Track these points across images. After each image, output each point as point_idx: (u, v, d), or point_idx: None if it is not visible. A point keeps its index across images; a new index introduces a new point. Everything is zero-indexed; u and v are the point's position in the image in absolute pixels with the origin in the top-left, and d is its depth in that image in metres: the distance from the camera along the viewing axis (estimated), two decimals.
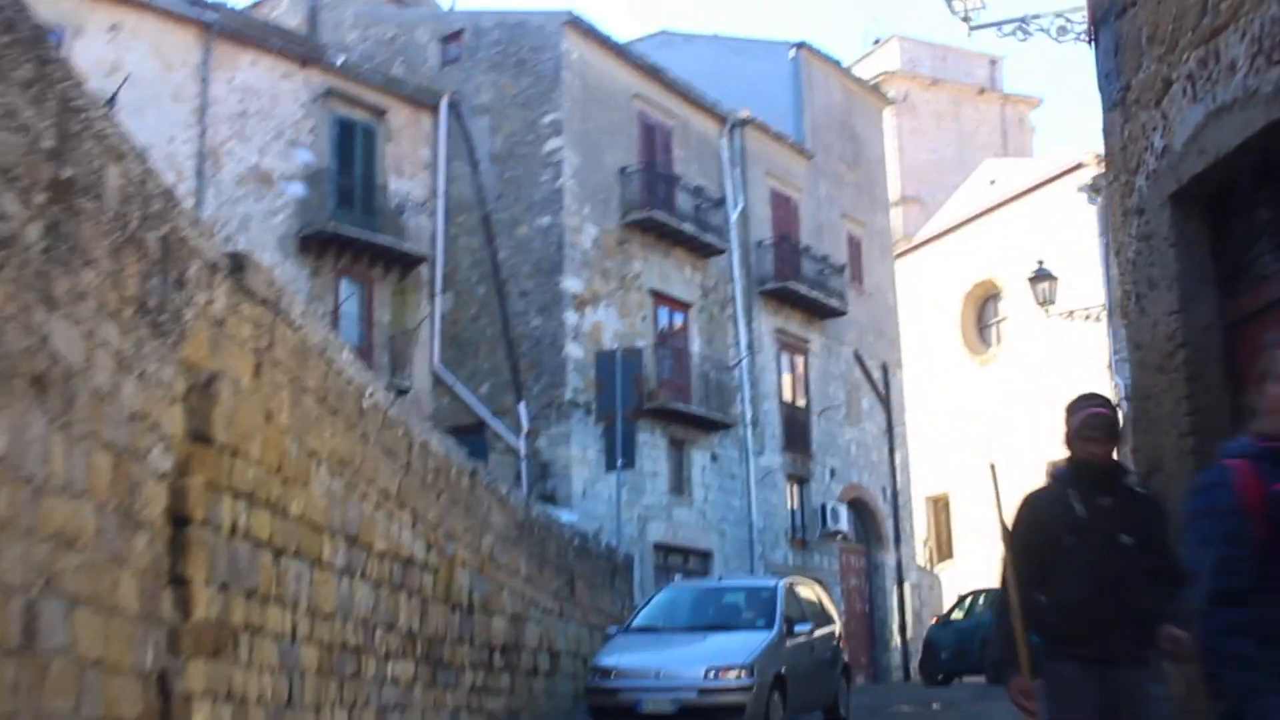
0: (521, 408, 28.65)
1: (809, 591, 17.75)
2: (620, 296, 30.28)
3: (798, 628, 15.88)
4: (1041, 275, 24.64)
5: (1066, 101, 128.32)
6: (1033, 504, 6.13)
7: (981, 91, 64.94)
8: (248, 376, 10.05)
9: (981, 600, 29.37)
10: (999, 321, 53.38)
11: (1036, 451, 50.29)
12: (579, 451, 28.20)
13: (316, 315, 12.89)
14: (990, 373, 52.47)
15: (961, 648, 27.70)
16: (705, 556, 31.28)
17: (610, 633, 17.12)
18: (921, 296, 52.76)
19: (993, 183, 52.99)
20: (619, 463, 21.94)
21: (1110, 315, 22.41)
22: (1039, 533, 5.95)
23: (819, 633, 16.71)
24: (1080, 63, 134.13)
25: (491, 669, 15.92)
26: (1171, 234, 7.29)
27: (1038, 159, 55.45)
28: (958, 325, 54.02)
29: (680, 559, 30.56)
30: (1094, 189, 23.48)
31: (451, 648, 14.85)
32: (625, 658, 15.47)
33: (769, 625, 15.70)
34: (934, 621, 30.45)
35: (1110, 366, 23.29)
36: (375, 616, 12.79)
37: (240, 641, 9.74)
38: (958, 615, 29.54)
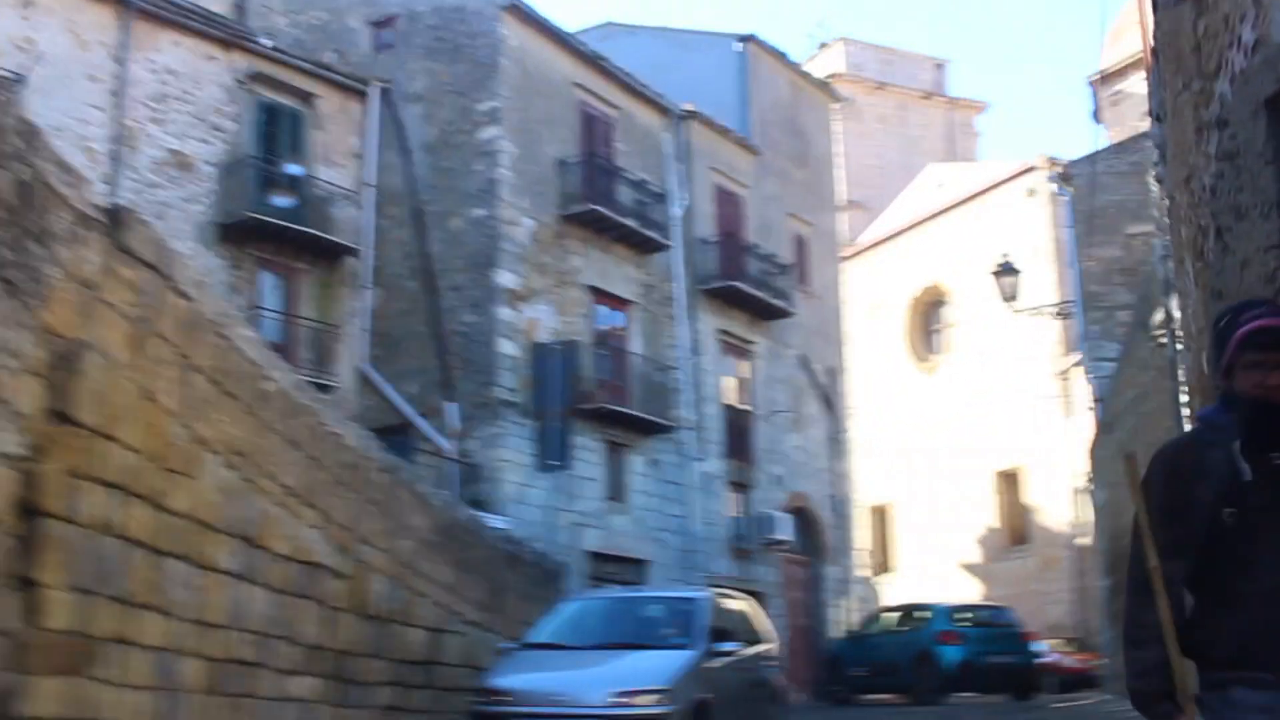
0: (451, 408, 27.29)
1: (739, 604, 15.73)
2: (557, 293, 29.00)
3: (725, 646, 13.77)
4: (1006, 270, 23.45)
5: (1013, 107, 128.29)
6: (1173, 464, 4.16)
7: (927, 95, 64.32)
8: (124, 349, 8.70)
9: (911, 615, 28.28)
10: (945, 328, 52.59)
11: (981, 461, 49.81)
12: (512, 454, 26.88)
13: (213, 287, 11.57)
14: (935, 381, 51.66)
15: (880, 665, 26.38)
16: (642, 565, 30.03)
17: (504, 649, 14.49)
18: (866, 303, 51.89)
19: (939, 186, 52.22)
20: (553, 463, 20.63)
21: (1080, 310, 21.30)
22: (1186, 506, 4.01)
23: (750, 652, 14.66)
24: (1028, 65, 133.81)
25: (408, 686, 14.57)
26: (1268, 149, 5.76)
27: (984, 163, 54.71)
28: (903, 332, 53.22)
29: (616, 568, 29.26)
30: (1063, 178, 22.25)
31: (363, 662, 13.52)
32: (519, 679, 13.07)
33: (691, 643, 13.51)
34: (843, 635, 29.06)
35: (1082, 364, 22.14)
36: (274, 627, 11.49)
37: (105, 656, 8.41)
38: (875, 628, 28.32)
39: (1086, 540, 45.57)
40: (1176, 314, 9.29)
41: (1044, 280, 47.07)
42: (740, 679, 14.20)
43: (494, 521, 25.76)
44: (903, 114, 63.70)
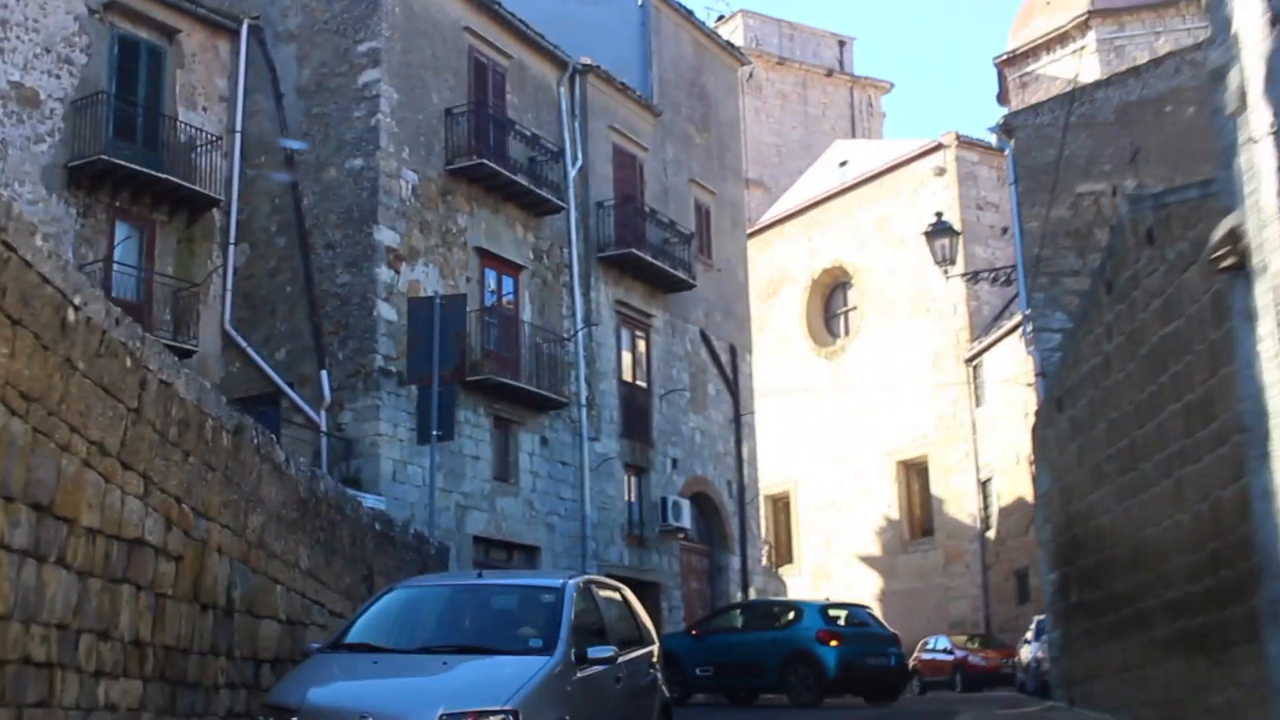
0: (324, 376, 24.83)
1: (615, 596, 12.17)
2: (442, 254, 26.59)
3: (593, 651, 10.25)
4: (940, 230, 21.29)
5: (917, 87, 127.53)
6: None
7: (830, 73, 62.64)
8: None
9: (763, 612, 26.33)
10: (848, 311, 50.94)
11: (884, 451, 48.26)
12: (389, 428, 24.49)
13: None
14: (837, 367, 50.01)
15: (734, 665, 24.36)
16: (531, 552, 27.82)
17: (310, 650, 11.03)
18: (765, 284, 50.08)
19: (844, 164, 50.50)
20: (434, 434, 18.25)
21: (1023, 276, 19.31)
22: None
23: (627, 657, 11.15)
24: (933, 45, 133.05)
25: (258, 688, 12.12)
26: None
27: (892, 141, 53.09)
28: (803, 315, 51.51)
29: (503, 554, 27.00)
30: (1004, 130, 20.18)
31: (200, 661, 11.07)
32: (314, 693, 9.56)
33: (549, 647, 10.03)
34: (681, 632, 26.75)
35: (1022, 336, 20.16)
36: (80, 619, 9.12)
37: None
38: (719, 625, 26.17)
39: (992, 533, 44.28)
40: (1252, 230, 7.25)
41: (956, 264, 45.61)
42: (615, 692, 10.80)
43: (369, 501, 23.42)
44: (804, 92, 61.97)
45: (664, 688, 12.38)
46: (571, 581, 11.01)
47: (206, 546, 11.20)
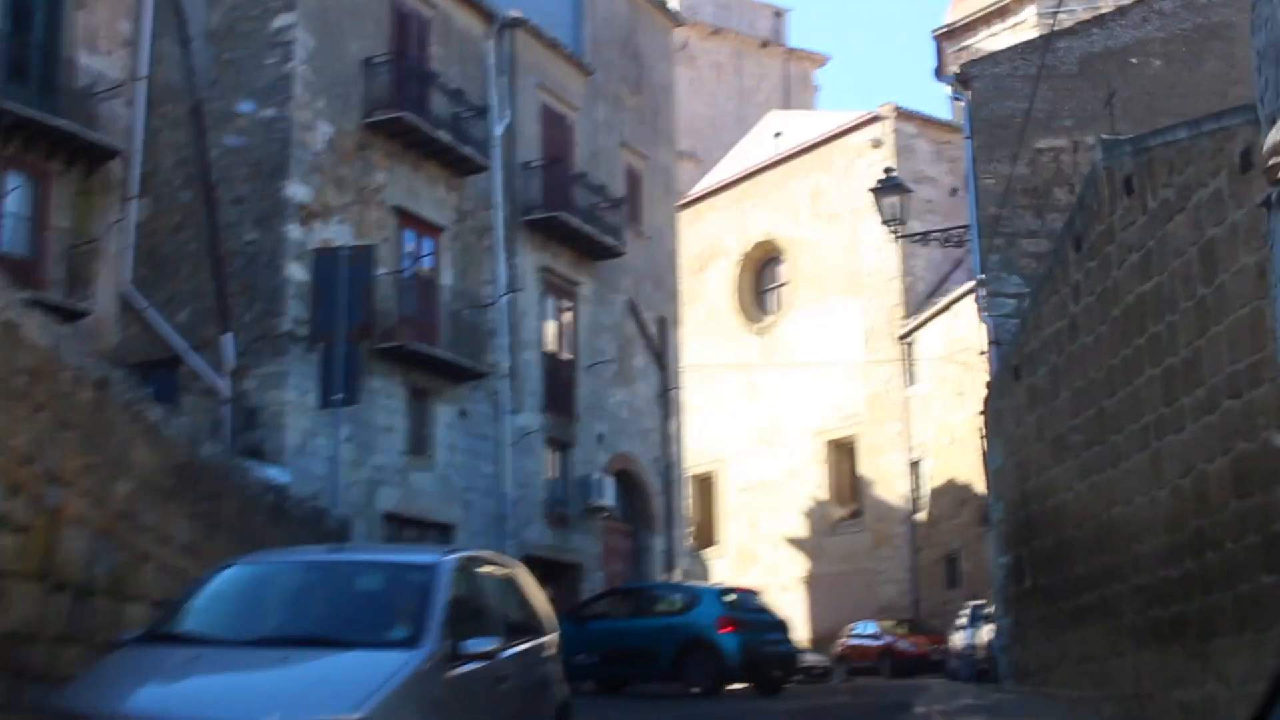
0: (228, 340, 23.30)
1: (505, 576, 10.00)
2: (357, 211, 25.10)
3: (471, 644, 8.09)
4: (890, 186, 19.95)
5: (853, 61, 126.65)
6: None
7: (765, 44, 61.43)
8: None
9: (650, 597, 25.13)
10: (779, 286, 49.88)
11: (812, 430, 47.26)
12: (296, 396, 23.00)
13: None
14: (766, 343, 48.96)
15: (620, 652, 23.12)
16: (446, 530, 26.41)
17: (121, 640, 8.53)
18: (695, 257, 48.91)
19: (778, 135, 49.39)
20: (338, 398, 16.82)
21: (976, 237, 18.09)
22: None
23: (516, 650, 9.08)
24: (870, 18, 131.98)
25: None
26: None
27: (828, 112, 52.00)
28: (733, 290, 50.41)
29: (416, 532, 25.56)
30: (959, 80, 18.89)
31: (50, 651, 9.63)
32: (114, 698, 7.41)
33: (415, 639, 7.89)
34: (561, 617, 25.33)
35: (976, 301, 18.92)
36: None
37: None
38: (601, 610, 24.86)
39: (922, 516, 43.39)
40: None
41: (890, 239, 44.58)
42: (499, 695, 8.70)
43: (272, 474, 21.96)
44: (738, 63, 60.75)
45: (563, 684, 10.40)
46: (448, 558, 8.83)
47: (60, 517, 9.77)
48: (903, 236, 20.65)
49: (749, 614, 23.69)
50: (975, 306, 18.99)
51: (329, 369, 17.30)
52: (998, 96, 18.47)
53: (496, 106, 28.99)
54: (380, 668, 7.49)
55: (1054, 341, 13.93)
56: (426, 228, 26.90)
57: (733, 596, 24.38)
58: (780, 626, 24.56)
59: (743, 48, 60.64)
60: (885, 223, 19.87)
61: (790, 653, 25.04)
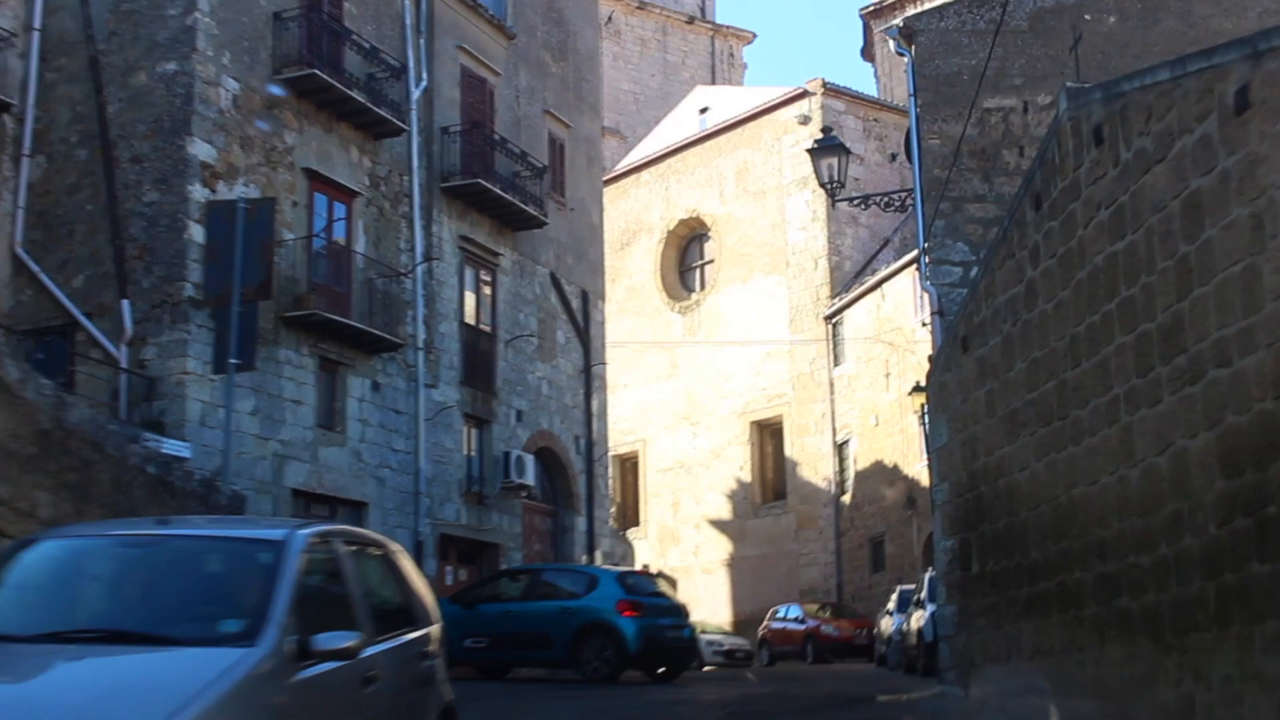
0: (125, 306, 21.97)
1: (375, 557, 8.24)
2: (265, 174, 23.79)
3: (324, 640, 6.43)
4: (828, 146, 18.92)
5: (779, 39, 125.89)
6: None
7: (691, 20, 60.54)
8: None
9: (540, 579, 24.12)
10: (704, 264, 49.04)
11: (737, 410, 46.51)
12: (198, 365, 21.72)
13: None
14: (690, 322, 48.12)
15: (513, 636, 22.08)
16: (358, 508, 25.21)
17: None
18: (619, 234, 47.97)
19: (704, 111, 48.48)
20: (233, 362, 15.60)
21: (920, 200, 17.15)
22: None
23: (385, 646, 7.42)
24: None
25: None
26: None
27: (756, 88, 51.13)
28: (657, 267, 49.53)
29: (326, 510, 24.34)
30: (904, 34, 17.85)
31: None
32: None
33: (251, 634, 6.23)
34: (449, 599, 24.12)
35: (919, 269, 17.95)
36: None
37: None
38: (491, 592, 23.79)
39: (847, 498, 42.75)
40: None
41: (817, 217, 43.86)
42: (361, 699, 7.05)
43: (171, 447, 20.70)
44: (664, 39, 59.80)
45: (447, 684, 8.63)
46: (301, 533, 7.09)
47: None
48: (842, 200, 19.66)
49: (649, 597, 22.77)
50: (916, 276, 18.10)
51: (224, 332, 16.05)
52: (944, 52, 17.54)
53: (414, 68, 27.75)
54: (202, 670, 5.83)
55: (1008, 309, 13.00)
56: (339, 192, 25.64)
57: (631, 579, 23.43)
58: (678, 611, 23.65)
59: (669, 23, 59.71)
60: (823, 185, 18.89)
61: (689, 639, 24.24)
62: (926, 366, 17.80)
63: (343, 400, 25.27)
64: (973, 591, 14.30)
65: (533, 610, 22.34)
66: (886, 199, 19.46)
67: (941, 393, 15.29)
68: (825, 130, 20.82)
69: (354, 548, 7.79)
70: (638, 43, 58.71)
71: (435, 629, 8.45)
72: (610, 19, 55.05)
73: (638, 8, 58.48)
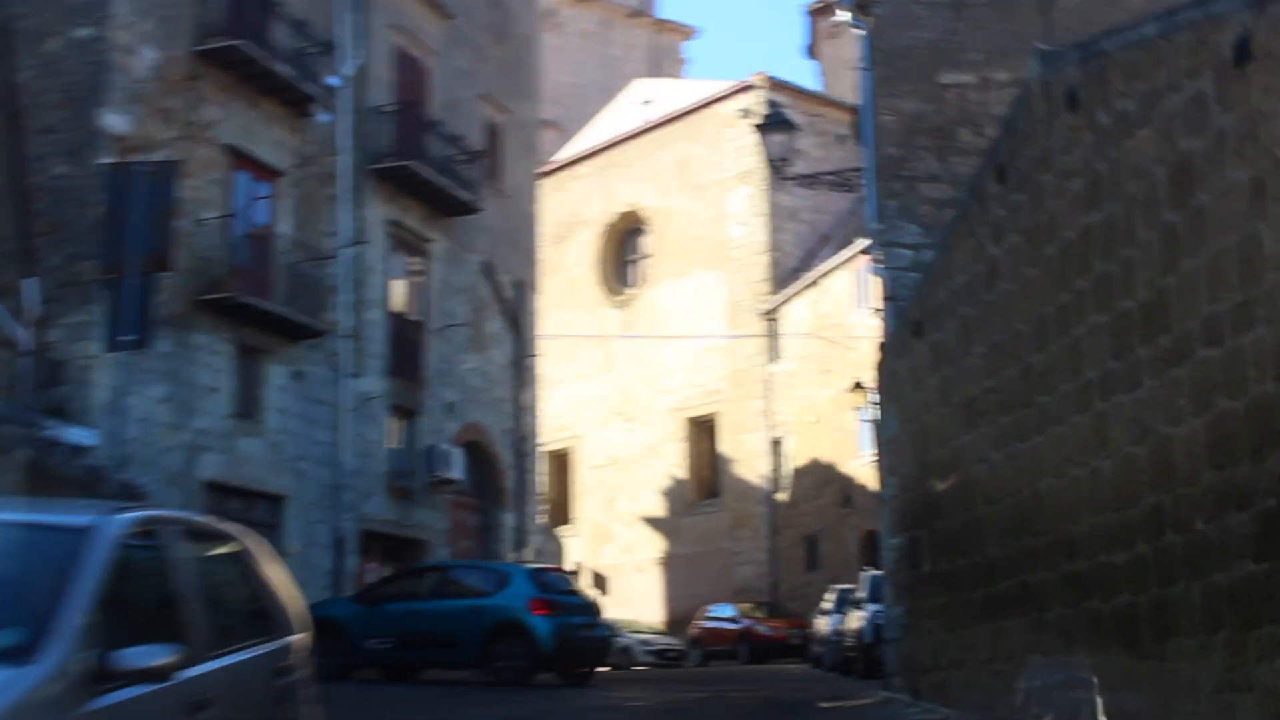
0: (30, 285, 20.80)
1: (220, 551, 6.57)
2: (185, 148, 22.62)
3: (133, 656, 4.72)
4: (775, 123, 18.09)
5: (722, 35, 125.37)
6: None
7: (634, 14, 59.78)
8: None
9: (447, 577, 23.22)
10: (641, 259, 48.29)
11: (671, 406, 45.76)
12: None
13: None
14: (626, 316, 47.38)
15: (417, 636, 21.14)
16: (277, 501, 24.19)
17: None
18: (556, 227, 47.08)
19: (646, 103, 47.76)
20: (126, 339, 14.52)
21: (873, 180, 16.33)
22: None
23: (220, 664, 5.64)
24: None
25: None
26: None
27: (696, 81, 50.47)
28: (594, 261, 48.75)
29: (242, 503, 23.24)
30: (859, 6, 17.03)
31: None
32: None
33: (29, 648, 4.50)
34: (349, 597, 23.19)
35: (870, 252, 17.10)
36: None
37: None
38: (396, 590, 22.84)
39: (783, 496, 42.09)
40: None
41: (758, 211, 43.17)
42: None
43: (75, 434, 19.62)
44: (606, 32, 59.11)
45: (316, 706, 6.93)
46: (115, 519, 5.39)
47: None
48: (789, 178, 18.86)
49: (562, 596, 21.91)
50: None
51: (118, 305, 14.95)
52: (901, 25, 16.74)
53: (346, 45, 26.69)
54: None
55: (967, 291, 12.21)
56: (263, 170, 24.56)
57: (545, 577, 22.56)
58: (591, 610, 22.84)
59: (610, 16, 59.00)
60: (771, 162, 18.06)
61: (604, 639, 23.62)
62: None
63: (262, 389, 24.20)
64: (923, 592, 13.49)
65: (440, 609, 21.34)
66: (836, 176, 18.66)
67: (891, 381, 14.50)
68: (772, 105, 20.02)
69: (193, 541, 6.17)
70: (579, 35, 57.90)
71: (299, 639, 6.82)
72: (553, 11, 54.22)
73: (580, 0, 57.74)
